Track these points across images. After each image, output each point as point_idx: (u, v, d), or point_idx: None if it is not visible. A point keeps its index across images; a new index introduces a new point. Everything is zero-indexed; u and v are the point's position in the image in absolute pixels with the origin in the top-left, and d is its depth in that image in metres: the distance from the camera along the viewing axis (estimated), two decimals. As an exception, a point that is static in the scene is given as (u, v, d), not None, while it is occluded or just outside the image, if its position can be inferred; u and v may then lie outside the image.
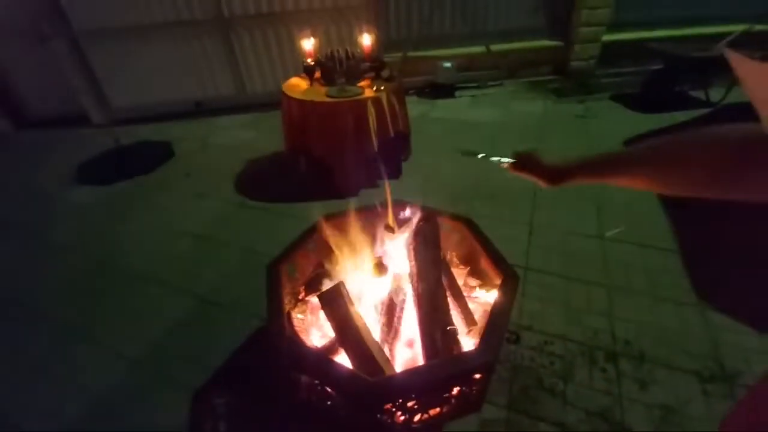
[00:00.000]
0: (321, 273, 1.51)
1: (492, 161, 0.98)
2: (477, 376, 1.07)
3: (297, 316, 1.42)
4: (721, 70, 3.76)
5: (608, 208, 2.47)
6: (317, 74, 2.82)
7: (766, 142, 0.44)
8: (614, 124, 3.67)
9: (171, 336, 1.83)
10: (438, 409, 1.11)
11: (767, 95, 0.22)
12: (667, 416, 1.38)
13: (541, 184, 0.85)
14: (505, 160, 0.93)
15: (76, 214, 2.86)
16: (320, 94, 2.60)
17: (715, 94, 3.86)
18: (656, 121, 3.60)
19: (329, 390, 1.04)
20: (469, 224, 1.48)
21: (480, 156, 1.06)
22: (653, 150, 0.63)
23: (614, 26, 4.91)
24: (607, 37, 4.87)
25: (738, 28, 3.96)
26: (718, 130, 0.53)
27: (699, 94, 3.99)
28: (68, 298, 2.10)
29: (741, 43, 3.78)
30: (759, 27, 3.84)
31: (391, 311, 1.33)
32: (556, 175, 0.81)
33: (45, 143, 4.17)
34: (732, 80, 3.73)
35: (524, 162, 0.88)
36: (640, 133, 3.40)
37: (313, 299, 1.40)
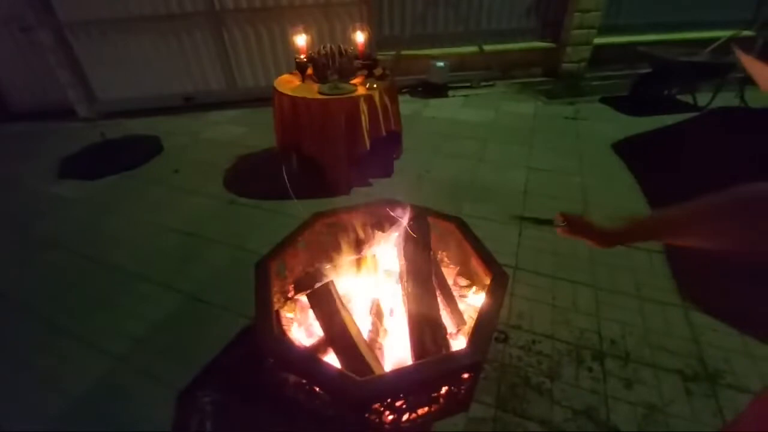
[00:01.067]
0: (310, 271, 1.50)
1: (548, 226, 1.03)
2: (465, 375, 1.07)
3: (286, 314, 1.41)
4: (708, 75, 3.84)
5: (596, 210, 2.50)
6: (309, 71, 2.80)
7: None
8: (603, 126, 3.71)
9: (157, 333, 1.80)
10: (426, 409, 1.11)
11: None
12: (651, 414, 1.41)
13: (594, 245, 0.90)
14: (558, 224, 0.97)
15: (60, 208, 2.80)
16: (312, 91, 2.58)
17: (702, 98, 3.93)
18: (645, 124, 3.66)
19: (317, 389, 1.04)
20: (460, 224, 1.48)
21: (529, 220, 1.10)
22: (699, 216, 0.66)
23: (605, 30, 4.98)
24: (598, 40, 4.93)
25: (726, 33, 4.04)
26: (756, 193, 0.56)
27: (686, 98, 4.06)
28: (52, 293, 2.05)
29: (728, 49, 3.86)
30: (746, 32, 3.92)
31: (380, 310, 1.33)
32: (609, 239, 0.86)
33: (29, 136, 4.07)
34: (718, 85, 3.81)
35: (575, 226, 0.93)
36: (629, 136, 3.46)
37: (302, 298, 1.39)
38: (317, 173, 2.75)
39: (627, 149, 3.26)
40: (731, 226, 0.59)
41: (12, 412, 1.51)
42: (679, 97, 4.17)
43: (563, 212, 0.96)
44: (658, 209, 0.75)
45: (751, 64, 0.47)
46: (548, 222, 1.01)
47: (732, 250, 0.60)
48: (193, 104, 4.54)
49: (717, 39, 4.01)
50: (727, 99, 3.85)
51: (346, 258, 1.50)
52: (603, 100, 4.30)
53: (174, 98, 4.51)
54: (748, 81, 3.77)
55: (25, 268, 2.25)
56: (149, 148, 3.52)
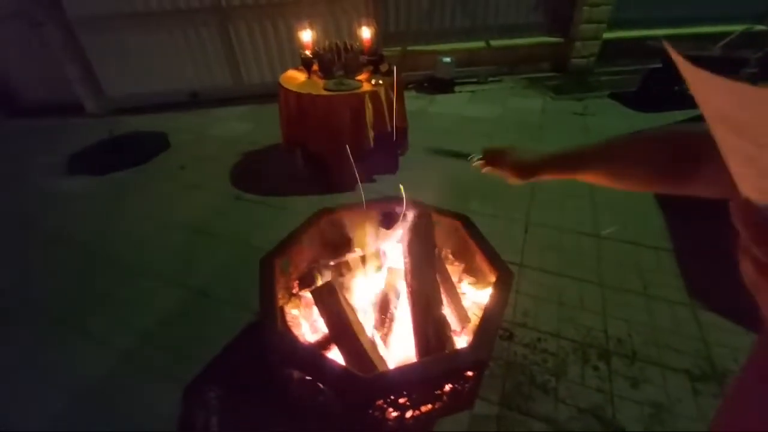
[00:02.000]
0: (315, 267, 1.50)
1: (464, 160, 0.99)
2: (469, 373, 1.07)
3: (290, 311, 1.41)
4: (719, 70, 3.76)
5: (604, 207, 2.48)
6: (315, 67, 2.79)
7: (705, 140, 0.45)
8: (612, 121, 3.66)
9: (163, 328, 1.82)
10: (430, 406, 1.11)
11: (717, 108, 0.22)
12: (657, 414, 1.40)
13: (511, 179, 0.86)
14: (475, 156, 0.94)
15: (68, 204, 2.83)
16: (318, 87, 2.58)
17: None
18: (654, 120, 3.61)
19: (321, 386, 1.04)
20: (465, 221, 1.48)
21: (446, 153, 1.06)
22: (610, 148, 0.67)
23: (615, 24, 4.90)
24: (607, 35, 4.85)
25: (738, 28, 3.95)
26: (667, 130, 0.57)
27: (697, 94, 3.98)
28: (59, 288, 2.08)
29: (740, 44, 3.78)
30: (759, 27, 3.84)
31: (384, 308, 1.33)
32: (524, 169, 0.82)
33: (38, 132, 4.11)
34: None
35: (494, 158, 0.89)
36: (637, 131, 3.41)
37: (307, 294, 1.40)
38: (322, 169, 2.75)
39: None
40: (650, 168, 0.58)
41: (18, 406, 1.54)
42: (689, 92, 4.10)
43: (485, 148, 0.92)
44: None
45: (686, 68, 0.41)
46: (464, 156, 0.98)
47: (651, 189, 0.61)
48: (199, 100, 4.56)
49: (729, 33, 3.92)
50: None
51: (351, 255, 1.50)
52: (612, 96, 4.24)
53: (180, 94, 4.53)
54: (760, 77, 3.69)
55: (33, 263, 2.28)
56: (156, 144, 3.55)
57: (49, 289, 2.08)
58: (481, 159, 0.92)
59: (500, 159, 0.87)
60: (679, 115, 3.67)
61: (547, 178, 0.78)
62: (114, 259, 2.25)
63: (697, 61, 0.21)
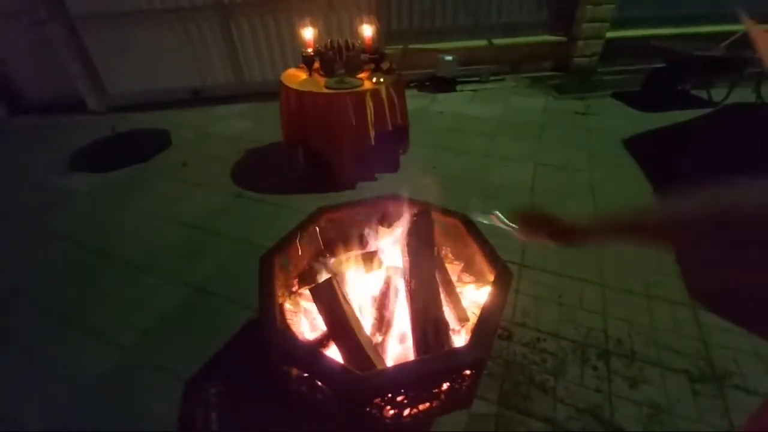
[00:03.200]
0: (314, 265, 1.51)
1: (499, 226, 0.94)
2: (467, 372, 1.07)
3: (289, 308, 1.42)
4: (723, 70, 3.74)
5: (605, 207, 2.47)
6: (316, 65, 2.79)
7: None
8: (615, 121, 3.65)
9: (164, 325, 1.82)
10: (428, 404, 1.11)
11: None
12: (656, 415, 1.39)
13: (551, 245, 0.82)
14: (511, 225, 0.89)
15: (71, 201, 2.84)
16: (319, 85, 2.58)
17: (717, 94, 3.84)
18: (657, 120, 3.59)
19: (319, 383, 1.04)
20: (464, 220, 1.48)
21: (486, 221, 1.00)
22: (662, 222, 0.62)
23: (618, 23, 4.87)
24: (610, 34, 4.83)
25: (742, 27, 3.92)
26: (730, 205, 0.50)
27: (701, 94, 3.97)
28: (61, 285, 2.09)
29: (744, 43, 3.75)
30: (763, 26, 3.80)
31: (383, 306, 1.33)
32: (568, 236, 0.78)
33: (40, 129, 4.13)
34: (734, 80, 3.72)
35: (531, 224, 0.85)
36: (641, 132, 3.40)
37: (306, 292, 1.40)
38: (323, 167, 2.75)
39: (639, 146, 3.20)
40: (706, 238, 0.54)
41: (21, 401, 1.55)
42: (693, 92, 4.08)
43: (517, 211, 0.87)
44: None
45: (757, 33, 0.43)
46: (503, 224, 0.93)
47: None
48: (201, 98, 4.56)
49: (733, 33, 3.90)
50: (743, 95, 3.76)
51: (350, 253, 1.51)
52: (615, 95, 4.22)
53: (182, 92, 4.53)
54: (764, 76, 3.67)
55: (35, 260, 2.29)
56: (158, 141, 3.55)
57: (50, 286, 2.09)
58: (516, 228, 0.88)
59: (538, 224, 0.83)
60: (681, 115, 3.66)
61: (592, 243, 0.75)
62: (115, 257, 2.26)
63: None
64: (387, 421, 1.07)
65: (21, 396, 1.56)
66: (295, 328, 1.32)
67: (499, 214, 0.92)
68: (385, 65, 2.82)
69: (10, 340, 1.81)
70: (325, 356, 1.04)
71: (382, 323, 1.30)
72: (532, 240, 0.86)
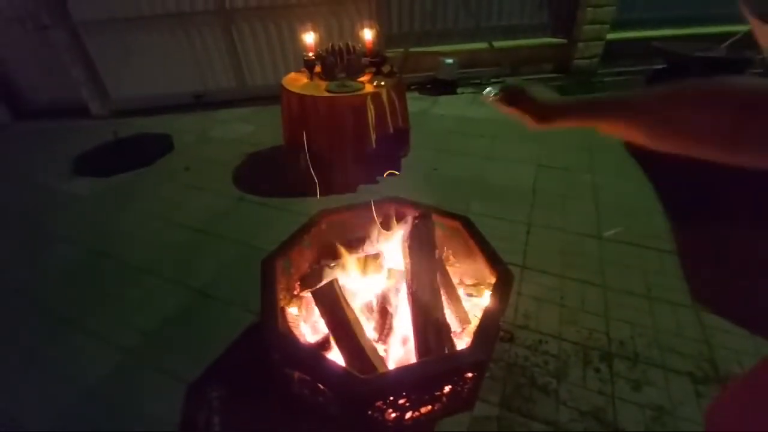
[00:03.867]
0: (316, 269, 1.51)
1: (479, 93, 0.91)
2: (469, 374, 1.07)
3: (291, 311, 1.42)
4: (724, 71, 3.74)
5: (607, 209, 2.47)
6: (317, 69, 2.80)
7: None
8: (616, 123, 3.64)
9: (166, 328, 1.83)
10: (430, 407, 1.11)
11: None
12: (659, 417, 1.39)
13: (530, 123, 0.77)
14: (491, 90, 0.84)
15: (73, 205, 2.86)
16: (320, 89, 2.59)
17: (718, 95, 3.83)
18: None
19: (321, 386, 1.04)
20: (466, 222, 1.48)
21: (462, 91, 0.96)
22: (653, 98, 0.57)
23: (618, 24, 4.88)
24: (610, 36, 4.83)
25: (742, 28, 3.92)
26: (723, 82, 0.49)
27: (702, 95, 3.96)
28: (64, 288, 2.10)
29: (745, 44, 3.75)
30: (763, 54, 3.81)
31: (385, 309, 1.34)
32: (546, 111, 0.74)
33: (43, 134, 4.15)
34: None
35: (513, 96, 0.80)
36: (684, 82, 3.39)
37: (308, 295, 1.40)
38: (324, 170, 2.75)
39: (640, 147, 3.19)
40: (703, 124, 0.51)
41: (23, 403, 1.55)
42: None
43: (503, 85, 0.83)
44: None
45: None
46: (481, 88, 0.90)
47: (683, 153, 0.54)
48: (203, 102, 4.59)
49: (734, 34, 3.90)
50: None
51: (352, 256, 1.51)
52: (615, 97, 4.22)
53: (184, 96, 4.56)
54: (766, 77, 3.66)
55: (38, 264, 2.30)
56: (160, 145, 3.57)
57: (52, 288, 2.10)
58: (498, 95, 0.83)
59: (520, 98, 0.78)
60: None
61: (570, 124, 0.70)
62: (118, 260, 2.27)
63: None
64: (389, 424, 1.07)
65: (21, 396, 1.57)
66: (296, 331, 1.33)
67: (490, 89, 0.87)
68: (386, 68, 2.83)
69: (11, 340, 1.82)
70: (326, 359, 1.04)
71: (384, 326, 1.30)
72: (509, 111, 0.81)
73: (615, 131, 0.61)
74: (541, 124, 0.75)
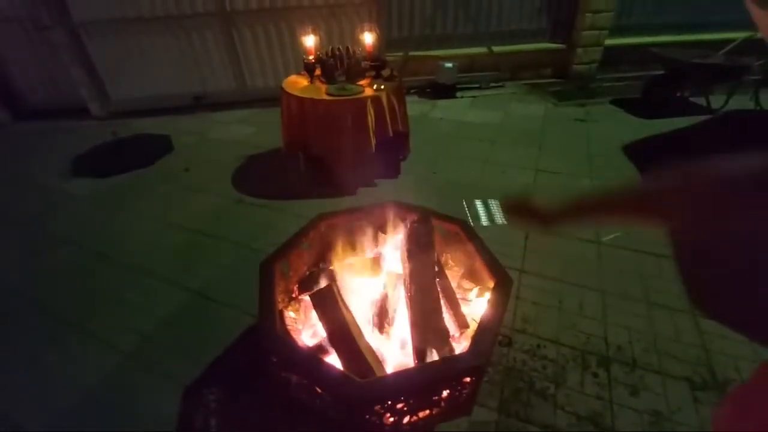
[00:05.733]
0: (314, 272, 1.51)
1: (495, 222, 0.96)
2: (467, 379, 1.07)
3: (289, 314, 1.42)
4: (722, 77, 3.77)
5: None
6: (317, 72, 2.81)
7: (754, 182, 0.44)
8: (614, 128, 3.67)
9: (164, 330, 1.82)
10: (427, 412, 1.11)
11: None
12: (657, 422, 1.39)
13: (533, 229, 0.82)
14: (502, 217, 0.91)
15: (73, 206, 2.85)
16: (320, 91, 2.59)
17: (716, 101, 3.86)
18: (656, 127, 3.61)
19: (319, 390, 1.04)
20: (464, 226, 1.48)
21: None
22: (639, 198, 0.63)
23: (617, 30, 4.92)
24: (609, 42, 4.87)
25: (740, 35, 3.96)
26: (694, 176, 0.53)
27: (700, 101, 3.99)
28: (62, 289, 2.09)
29: (743, 50, 3.78)
30: (760, 34, 3.83)
31: (383, 312, 1.33)
32: (546, 220, 0.79)
33: (43, 134, 4.14)
34: (732, 87, 3.73)
35: (514, 209, 0.86)
36: (640, 139, 3.41)
37: (306, 298, 1.40)
38: (324, 173, 2.76)
39: (638, 152, 3.21)
40: (677, 210, 0.55)
41: (22, 405, 1.54)
42: (692, 99, 4.10)
43: (503, 202, 0.89)
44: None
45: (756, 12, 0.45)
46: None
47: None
48: (202, 104, 4.59)
49: (731, 40, 3.93)
50: (741, 102, 3.78)
51: (350, 259, 1.51)
52: (614, 102, 4.25)
53: (184, 98, 4.56)
54: (763, 83, 3.69)
55: (37, 264, 2.29)
56: (160, 147, 3.57)
57: (51, 289, 2.09)
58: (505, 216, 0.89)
59: (520, 210, 0.84)
60: (681, 122, 3.67)
61: (570, 224, 0.76)
62: (116, 261, 2.26)
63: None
64: (387, 428, 1.07)
65: (21, 398, 1.56)
66: (294, 335, 1.32)
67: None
68: (385, 72, 2.84)
69: (11, 342, 1.81)
70: (324, 362, 1.04)
71: (382, 330, 1.30)
72: (516, 223, 0.87)
73: (609, 225, 0.68)
74: (545, 229, 0.80)
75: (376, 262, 1.51)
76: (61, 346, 1.77)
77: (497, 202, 0.92)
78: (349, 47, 2.83)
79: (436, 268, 1.34)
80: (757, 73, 3.67)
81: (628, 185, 0.66)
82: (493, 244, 1.42)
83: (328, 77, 2.75)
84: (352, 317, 1.24)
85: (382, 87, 2.61)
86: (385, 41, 4.50)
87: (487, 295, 1.24)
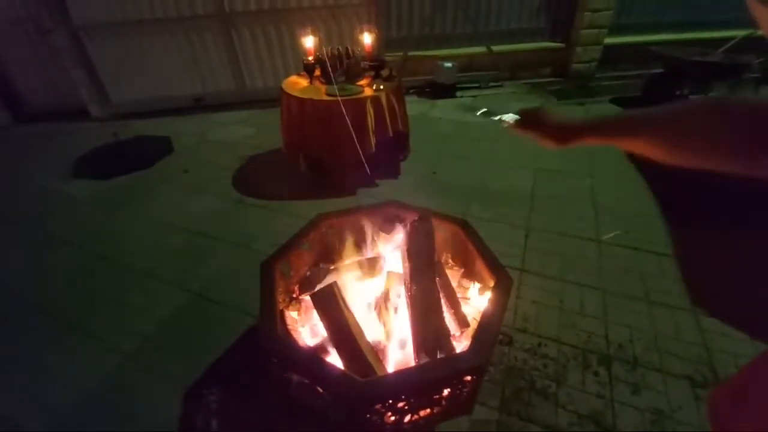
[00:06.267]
0: (315, 272, 1.51)
1: (495, 119, 0.93)
2: (468, 378, 1.07)
3: (290, 314, 1.42)
4: (721, 75, 3.77)
5: (605, 212, 2.47)
6: (317, 72, 2.81)
7: None
8: (614, 127, 3.66)
9: (165, 330, 1.82)
10: (428, 410, 1.11)
11: None
12: (658, 421, 1.39)
13: (547, 143, 0.79)
14: (508, 117, 0.87)
15: (73, 207, 2.86)
16: (319, 92, 2.60)
17: (716, 99, 3.85)
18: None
19: (320, 389, 1.04)
20: (464, 226, 1.48)
21: (481, 112, 1.01)
22: (671, 113, 0.58)
23: (616, 29, 4.92)
24: (608, 40, 4.87)
25: (740, 33, 3.96)
26: (733, 101, 0.51)
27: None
28: (63, 290, 2.09)
29: (742, 48, 3.78)
30: (761, 32, 3.83)
31: (383, 312, 1.34)
32: (563, 133, 0.76)
33: (44, 136, 4.15)
34: (732, 86, 3.73)
35: (529, 119, 0.82)
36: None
37: (307, 298, 1.40)
38: (324, 174, 2.76)
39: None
40: (714, 141, 0.52)
41: (23, 406, 1.54)
42: (691, 97, 4.10)
43: (519, 109, 0.85)
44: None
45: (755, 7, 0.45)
46: (494, 115, 0.92)
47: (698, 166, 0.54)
48: (202, 105, 4.60)
49: (731, 38, 3.93)
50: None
51: (351, 259, 1.51)
52: (614, 101, 4.24)
53: (184, 99, 4.57)
54: (762, 81, 3.69)
55: (37, 265, 2.30)
56: (160, 148, 3.58)
57: (52, 291, 2.10)
58: (514, 119, 0.85)
59: (534, 120, 0.80)
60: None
61: (589, 143, 0.72)
62: (116, 262, 2.27)
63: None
64: (388, 427, 1.07)
65: (21, 398, 1.56)
66: (295, 335, 1.32)
67: (509, 115, 0.90)
68: (385, 72, 2.84)
69: (12, 342, 1.82)
70: (325, 362, 1.04)
71: (383, 329, 1.30)
72: (525, 134, 0.84)
73: (633, 148, 0.62)
74: (560, 145, 0.77)
75: (377, 261, 1.51)
76: (61, 347, 1.77)
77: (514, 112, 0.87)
78: (349, 48, 2.84)
79: (437, 268, 1.34)
80: (757, 71, 3.67)
81: (657, 108, 0.60)
82: (493, 244, 1.42)
83: (328, 78, 2.75)
84: (353, 317, 1.24)
85: (382, 87, 2.62)
86: (384, 41, 4.51)
87: (488, 295, 1.24)
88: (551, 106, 0.76)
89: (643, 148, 0.60)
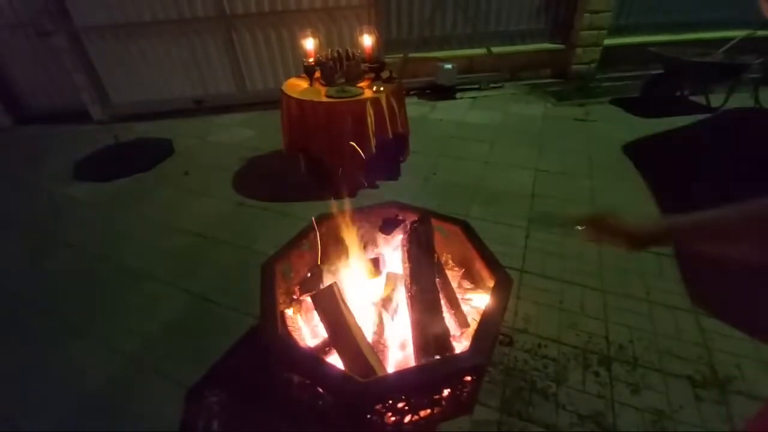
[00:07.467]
0: (315, 273, 1.51)
1: (566, 229, 0.95)
2: (468, 378, 1.07)
3: (291, 315, 1.42)
4: (721, 76, 3.77)
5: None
6: (317, 74, 2.82)
7: None
8: (614, 127, 3.67)
9: (166, 332, 1.83)
10: (429, 411, 1.11)
11: None
12: (659, 421, 1.39)
13: (624, 248, 0.81)
14: (579, 226, 0.89)
15: (74, 209, 2.87)
16: (320, 94, 2.60)
17: (716, 100, 3.86)
18: (656, 126, 3.61)
19: (320, 390, 1.05)
20: (464, 226, 1.48)
21: (546, 222, 1.02)
22: (753, 222, 0.59)
23: (616, 30, 4.93)
24: (608, 41, 4.87)
25: (740, 33, 3.96)
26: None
27: (699, 99, 3.99)
28: (65, 293, 2.10)
29: (742, 49, 3.78)
30: (761, 32, 3.84)
31: (383, 312, 1.34)
32: (642, 240, 0.78)
33: (44, 139, 4.17)
34: (732, 86, 3.73)
35: (601, 227, 0.85)
36: (640, 138, 3.41)
37: (307, 299, 1.40)
38: (324, 175, 2.77)
39: (638, 151, 3.21)
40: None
41: (26, 408, 1.55)
42: (691, 98, 4.11)
43: (588, 215, 0.87)
44: (680, 214, 0.69)
45: None
46: (565, 225, 0.94)
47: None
48: (203, 107, 4.61)
49: (731, 39, 3.93)
50: (741, 100, 3.78)
51: (351, 260, 1.51)
52: (614, 102, 4.25)
53: (185, 101, 4.58)
54: (762, 82, 3.69)
55: (39, 268, 2.31)
56: (160, 150, 3.59)
57: (55, 293, 2.10)
58: (583, 229, 0.88)
59: (609, 227, 0.83)
60: (680, 120, 3.68)
61: (666, 246, 0.75)
62: (118, 264, 2.27)
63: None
64: (388, 427, 1.07)
65: (25, 401, 1.57)
66: (296, 335, 1.33)
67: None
68: (385, 74, 2.85)
69: (14, 345, 1.82)
70: (326, 363, 1.05)
71: (383, 330, 1.30)
72: (599, 240, 0.86)
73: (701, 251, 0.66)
74: (635, 249, 0.79)
75: (377, 262, 1.52)
76: (62, 348, 1.78)
77: (578, 216, 0.90)
78: (349, 49, 2.84)
79: (437, 268, 1.34)
80: (757, 72, 3.67)
81: (741, 206, 0.61)
82: (493, 244, 1.43)
83: (328, 79, 2.76)
84: (353, 317, 1.24)
85: (382, 89, 2.62)
86: (384, 43, 4.51)
87: (488, 295, 1.24)
88: (618, 213, 0.80)
89: (719, 252, 0.64)
